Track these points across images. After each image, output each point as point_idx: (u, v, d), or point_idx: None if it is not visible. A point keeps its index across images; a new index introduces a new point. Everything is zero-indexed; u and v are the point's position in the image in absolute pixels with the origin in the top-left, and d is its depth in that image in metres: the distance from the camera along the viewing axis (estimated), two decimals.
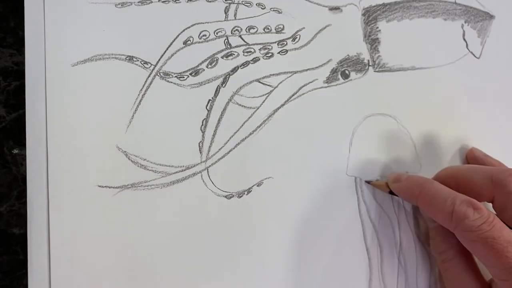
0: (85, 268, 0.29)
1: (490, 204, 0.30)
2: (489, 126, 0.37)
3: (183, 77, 0.32)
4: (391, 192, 0.32)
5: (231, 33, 0.33)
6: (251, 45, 0.33)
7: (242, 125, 0.32)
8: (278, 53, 0.34)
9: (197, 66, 0.32)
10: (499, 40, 0.38)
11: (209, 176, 0.31)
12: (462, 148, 0.36)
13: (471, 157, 0.35)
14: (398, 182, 0.32)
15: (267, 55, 0.33)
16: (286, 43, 0.34)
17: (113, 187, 0.30)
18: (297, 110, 0.33)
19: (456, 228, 0.27)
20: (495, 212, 0.28)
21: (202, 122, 0.32)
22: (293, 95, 0.33)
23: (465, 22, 0.37)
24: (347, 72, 0.35)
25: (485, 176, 0.29)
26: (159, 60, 0.32)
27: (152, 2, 0.32)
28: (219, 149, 0.32)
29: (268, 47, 0.33)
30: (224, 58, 0.33)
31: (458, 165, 0.35)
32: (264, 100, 0.33)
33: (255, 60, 0.33)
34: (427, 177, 0.31)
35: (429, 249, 0.34)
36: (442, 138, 0.36)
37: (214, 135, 0.32)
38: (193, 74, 0.32)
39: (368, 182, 0.33)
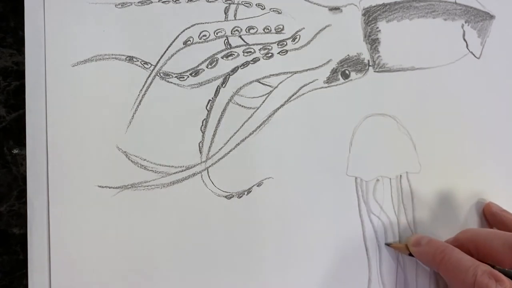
0: (85, 268, 0.29)
1: None
2: (489, 126, 0.37)
3: (183, 77, 0.32)
4: (410, 254, 0.32)
5: (231, 33, 0.33)
6: (251, 45, 0.33)
7: (242, 125, 0.32)
8: (278, 53, 0.34)
9: (197, 66, 0.32)
10: (499, 40, 0.38)
11: (209, 176, 0.31)
12: (462, 148, 0.36)
13: (489, 212, 0.35)
14: (419, 246, 0.32)
15: (267, 55, 0.33)
16: (286, 43, 0.34)
17: (113, 187, 0.30)
18: (297, 110, 0.33)
19: None
20: None
21: (202, 122, 0.32)
22: (293, 95, 0.33)
23: (465, 22, 0.37)
24: (347, 72, 0.35)
25: (505, 243, 0.29)
26: (159, 60, 0.32)
27: (152, 2, 0.32)
28: (219, 149, 0.32)
29: (268, 47, 0.33)
30: (224, 58, 0.33)
31: (478, 229, 0.35)
32: (264, 100, 0.33)
33: (255, 60, 0.33)
34: (447, 244, 0.31)
35: None
36: (442, 138, 0.36)
37: (214, 135, 0.32)
38: (193, 74, 0.32)
39: (388, 244, 0.33)
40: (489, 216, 0.35)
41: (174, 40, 0.32)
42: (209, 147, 0.32)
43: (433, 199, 0.35)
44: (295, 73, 0.34)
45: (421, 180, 0.35)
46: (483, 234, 0.31)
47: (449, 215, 0.35)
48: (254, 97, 0.33)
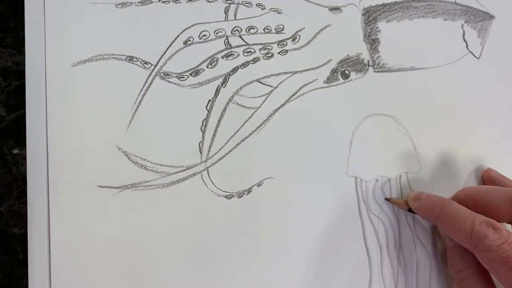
0: (85, 268, 0.29)
1: (510, 226, 0.30)
2: (489, 126, 0.37)
3: (183, 77, 0.32)
4: (410, 210, 0.32)
5: (231, 33, 0.33)
6: (251, 45, 0.33)
7: (242, 125, 0.32)
8: (278, 53, 0.34)
9: (197, 66, 0.32)
10: (499, 40, 0.38)
11: (209, 176, 0.31)
12: (462, 148, 0.36)
13: (487, 177, 0.36)
14: (418, 201, 0.32)
15: (267, 55, 0.33)
16: (286, 43, 0.34)
17: (113, 187, 0.30)
18: (297, 110, 0.33)
19: (475, 248, 0.27)
20: None
21: (202, 122, 0.32)
22: (293, 95, 0.33)
23: (465, 22, 0.37)
24: (347, 72, 0.35)
25: (504, 197, 0.29)
26: (159, 60, 0.32)
27: (152, 2, 0.32)
28: (219, 149, 0.32)
29: (268, 47, 0.33)
30: (224, 58, 0.33)
31: (476, 186, 0.35)
32: (264, 100, 0.33)
33: (255, 60, 0.33)
34: (446, 198, 0.31)
35: (430, 251, 0.34)
36: (442, 138, 0.36)
37: (214, 135, 0.32)
38: (193, 74, 0.32)
39: (387, 199, 0.34)
40: (488, 181, 0.35)
41: (174, 40, 0.32)
42: (209, 147, 0.32)
43: None
44: (295, 73, 0.34)
45: (420, 180, 0.35)
46: (482, 190, 0.31)
47: None
48: (254, 97, 0.33)
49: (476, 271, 0.29)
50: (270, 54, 0.33)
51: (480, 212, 0.29)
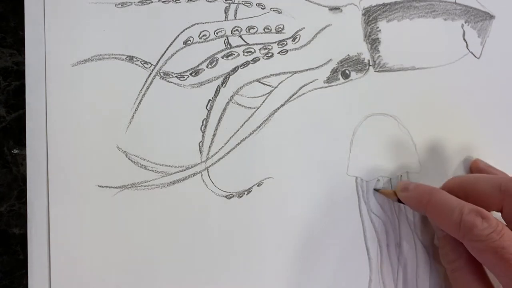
0: (85, 268, 0.29)
1: (499, 214, 0.29)
2: (489, 126, 0.37)
3: (183, 77, 0.32)
4: (399, 201, 0.32)
5: (231, 33, 0.33)
6: (251, 45, 0.33)
7: (242, 125, 0.32)
8: (278, 53, 0.34)
9: (197, 66, 0.32)
10: (499, 40, 0.38)
11: (209, 176, 0.31)
12: (463, 148, 0.36)
13: (475, 168, 0.35)
14: (406, 191, 0.32)
15: (267, 55, 0.33)
16: (286, 43, 0.34)
17: (113, 187, 0.30)
18: (297, 110, 0.33)
19: (464, 237, 0.27)
20: (504, 222, 0.28)
21: (202, 122, 0.32)
22: (293, 95, 0.33)
23: (465, 22, 0.37)
24: (347, 72, 0.35)
25: (493, 185, 0.29)
26: (159, 60, 0.31)
27: (152, 2, 0.32)
28: (219, 149, 0.32)
29: (268, 47, 0.33)
30: (224, 58, 0.33)
31: (466, 175, 0.35)
32: (264, 100, 0.33)
33: (255, 60, 0.33)
34: (434, 187, 0.31)
35: (431, 251, 0.34)
36: (442, 138, 0.36)
37: (214, 135, 0.32)
38: (193, 74, 0.32)
39: (376, 190, 0.33)
40: (476, 171, 0.35)
41: (174, 40, 0.32)
42: (209, 147, 0.32)
43: None
44: (295, 73, 0.34)
45: (421, 179, 0.35)
46: (470, 178, 0.31)
47: None
48: (254, 97, 0.33)
49: (467, 261, 0.29)
50: (270, 54, 0.33)
51: (470, 201, 0.28)
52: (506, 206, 0.29)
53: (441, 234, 0.31)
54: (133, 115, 0.31)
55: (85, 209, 0.29)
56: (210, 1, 0.33)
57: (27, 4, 0.31)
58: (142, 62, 0.31)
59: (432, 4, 0.37)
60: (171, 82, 0.32)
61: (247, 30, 0.33)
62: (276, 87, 0.33)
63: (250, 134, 0.32)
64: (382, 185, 0.34)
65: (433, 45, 0.37)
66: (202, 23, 0.33)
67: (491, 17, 0.38)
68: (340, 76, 0.34)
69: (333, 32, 0.35)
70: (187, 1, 0.33)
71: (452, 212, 0.28)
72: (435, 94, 0.36)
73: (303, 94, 0.34)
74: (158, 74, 0.31)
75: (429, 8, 0.37)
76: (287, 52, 0.34)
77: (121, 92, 0.31)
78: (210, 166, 0.31)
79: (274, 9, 0.34)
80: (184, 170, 0.31)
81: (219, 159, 0.32)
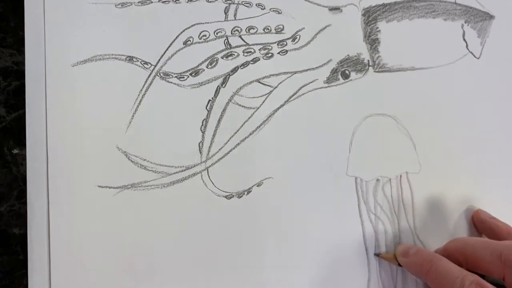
0: (85, 268, 0.29)
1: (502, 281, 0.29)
2: (489, 126, 0.37)
3: (183, 77, 0.32)
4: (399, 265, 0.32)
5: (231, 33, 0.33)
6: (251, 45, 0.33)
7: (242, 125, 0.32)
8: (278, 53, 0.34)
9: (197, 66, 0.32)
10: (499, 40, 0.38)
11: (209, 176, 0.31)
12: (462, 148, 0.36)
13: (478, 220, 0.35)
14: (407, 256, 0.31)
15: (267, 55, 0.33)
16: (286, 43, 0.34)
17: (113, 187, 0.30)
18: (297, 110, 0.33)
19: None
20: None
21: (202, 122, 0.32)
22: (293, 95, 0.33)
23: (465, 22, 0.37)
24: (347, 72, 0.35)
25: (493, 252, 0.29)
26: (159, 60, 0.32)
27: (152, 2, 0.32)
28: (219, 149, 0.32)
29: (268, 47, 0.33)
30: (224, 58, 0.33)
31: (466, 238, 0.34)
32: (264, 100, 0.33)
33: (255, 60, 0.33)
34: (435, 254, 0.31)
35: (429, 250, 0.34)
36: (442, 138, 0.36)
37: (214, 135, 0.32)
38: (193, 74, 0.32)
39: (376, 255, 0.33)
40: (478, 223, 0.35)
41: (174, 40, 0.32)
42: (209, 147, 0.32)
43: (433, 199, 0.35)
44: (295, 73, 0.34)
45: (421, 180, 0.35)
46: (471, 243, 0.31)
47: (450, 215, 0.35)
48: (254, 97, 0.33)
49: None
50: (270, 54, 0.33)
51: (471, 266, 0.28)
52: (508, 276, 0.28)
53: None
54: (133, 115, 0.31)
55: (85, 209, 0.29)
56: (210, 1, 0.33)
57: (27, 4, 0.31)
58: (142, 62, 0.31)
59: (432, 4, 0.37)
60: (171, 82, 0.32)
61: (247, 30, 0.33)
62: (276, 87, 0.33)
63: (250, 134, 0.32)
64: (382, 185, 0.34)
65: (433, 45, 0.37)
66: (202, 23, 0.33)
67: (491, 17, 0.38)
68: (340, 76, 0.34)
69: (333, 32, 0.35)
70: (187, 1, 0.33)
71: (453, 283, 0.27)
72: (435, 94, 0.36)
73: (303, 94, 0.34)
74: (158, 74, 0.31)
75: (429, 8, 0.37)
76: (287, 52, 0.34)
77: (121, 92, 0.31)
78: (210, 166, 0.31)
79: (274, 9, 0.34)
80: (184, 170, 0.31)
81: (219, 159, 0.32)
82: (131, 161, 0.30)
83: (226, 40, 0.33)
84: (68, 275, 0.29)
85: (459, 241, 0.32)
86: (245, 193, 0.32)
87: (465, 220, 0.35)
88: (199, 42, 0.32)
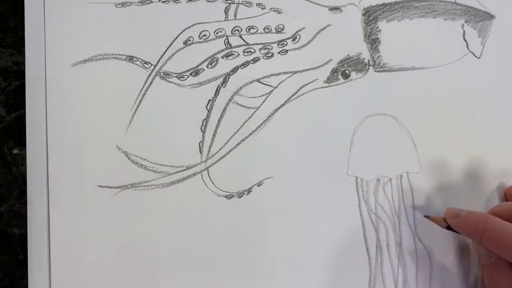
0: (85, 268, 0.29)
1: None
2: (489, 126, 0.37)
3: (183, 77, 0.32)
4: (448, 227, 0.32)
5: (231, 33, 0.33)
6: (251, 45, 0.33)
7: (242, 125, 0.32)
8: (278, 53, 0.34)
9: (197, 66, 0.32)
10: (499, 40, 0.38)
11: (209, 176, 0.31)
12: (462, 148, 0.36)
13: (510, 195, 0.35)
14: (458, 217, 0.31)
15: (267, 55, 0.33)
16: (286, 43, 0.34)
17: (113, 187, 0.30)
18: (297, 110, 0.33)
19: None
20: None
21: (202, 122, 0.32)
22: (293, 95, 0.33)
23: (465, 22, 0.37)
24: (347, 72, 0.35)
25: None
26: (159, 60, 0.32)
27: (152, 2, 0.32)
28: (219, 149, 0.32)
29: (268, 47, 0.33)
30: (224, 58, 0.33)
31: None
32: (264, 100, 0.33)
33: (255, 60, 0.33)
34: (487, 214, 0.31)
35: (431, 251, 0.34)
36: (442, 137, 0.36)
37: (214, 135, 0.32)
38: (193, 74, 0.32)
39: (426, 216, 0.33)
40: (510, 198, 0.35)
41: (174, 40, 0.32)
42: (209, 147, 0.32)
43: (434, 199, 0.35)
44: (295, 73, 0.34)
45: (421, 180, 0.35)
46: None
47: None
48: (254, 97, 0.33)
49: None
50: (270, 54, 0.33)
51: None
52: None
53: (487, 261, 0.31)
54: (133, 115, 0.31)
55: (85, 209, 0.29)
56: (210, 1, 0.33)
57: (27, 4, 0.31)
58: (142, 62, 0.31)
59: (432, 4, 0.37)
60: (171, 82, 0.32)
61: (247, 30, 0.33)
62: (276, 87, 0.33)
63: (250, 134, 0.32)
64: (383, 185, 0.34)
65: (433, 45, 0.37)
66: (202, 23, 0.33)
67: (491, 17, 0.38)
68: (340, 76, 0.34)
69: (333, 32, 0.35)
70: (187, 1, 0.33)
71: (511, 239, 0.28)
72: (435, 94, 0.36)
73: (303, 94, 0.34)
74: (158, 74, 0.31)
75: (429, 8, 0.37)
76: (287, 52, 0.34)
77: (121, 92, 0.31)
78: (210, 166, 0.31)
79: (274, 9, 0.34)
80: (184, 170, 0.31)
81: (219, 159, 0.32)
82: (131, 161, 0.30)
83: (226, 40, 0.33)
84: (68, 275, 0.29)
85: (507, 204, 0.32)
86: (246, 193, 0.32)
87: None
88: (199, 42, 0.32)
